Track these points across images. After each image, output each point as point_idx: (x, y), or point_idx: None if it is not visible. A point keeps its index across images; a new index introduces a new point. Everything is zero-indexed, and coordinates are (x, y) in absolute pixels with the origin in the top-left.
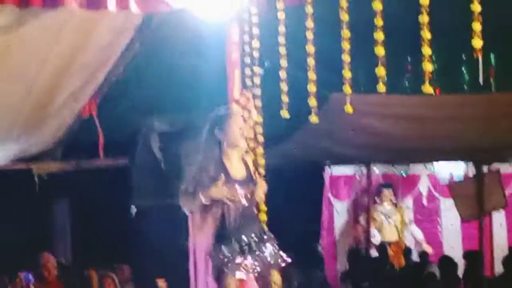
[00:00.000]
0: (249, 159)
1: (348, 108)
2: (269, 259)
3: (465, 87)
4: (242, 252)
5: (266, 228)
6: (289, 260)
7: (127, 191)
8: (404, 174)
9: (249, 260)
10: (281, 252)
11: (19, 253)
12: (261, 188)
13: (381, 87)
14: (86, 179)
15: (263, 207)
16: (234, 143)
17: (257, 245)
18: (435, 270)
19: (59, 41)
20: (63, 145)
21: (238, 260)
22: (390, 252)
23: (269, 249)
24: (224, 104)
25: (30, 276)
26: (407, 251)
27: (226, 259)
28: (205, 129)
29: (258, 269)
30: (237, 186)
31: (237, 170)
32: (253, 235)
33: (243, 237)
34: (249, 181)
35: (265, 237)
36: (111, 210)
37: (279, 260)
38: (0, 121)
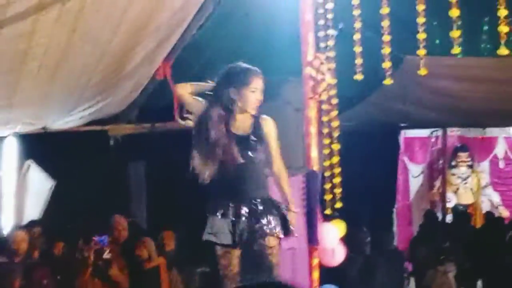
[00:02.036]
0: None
1: (422, 71)
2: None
3: None
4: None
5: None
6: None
7: None
8: (480, 137)
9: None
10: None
11: (93, 215)
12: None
13: (456, 49)
14: (161, 141)
15: (337, 170)
16: (245, 109)
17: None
18: None
19: (133, 4)
20: (137, 107)
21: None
22: (467, 215)
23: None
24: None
25: (105, 239)
26: (487, 215)
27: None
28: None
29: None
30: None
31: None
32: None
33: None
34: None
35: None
36: (185, 173)
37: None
38: (75, 82)
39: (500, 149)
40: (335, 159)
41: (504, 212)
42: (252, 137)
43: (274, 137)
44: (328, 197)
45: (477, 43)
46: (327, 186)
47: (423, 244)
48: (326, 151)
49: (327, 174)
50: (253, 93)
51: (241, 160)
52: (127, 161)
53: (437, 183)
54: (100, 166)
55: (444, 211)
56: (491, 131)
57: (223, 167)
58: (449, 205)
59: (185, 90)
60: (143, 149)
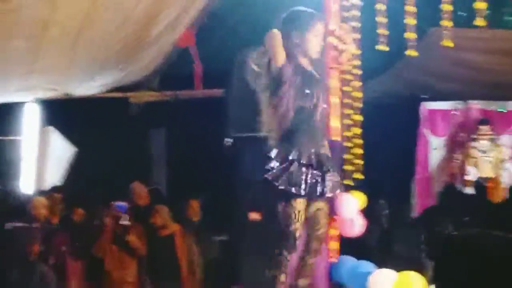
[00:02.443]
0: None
1: (447, 42)
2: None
3: None
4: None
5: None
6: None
7: (222, 122)
8: (502, 110)
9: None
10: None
11: (114, 182)
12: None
13: (480, 21)
14: (183, 109)
15: (358, 141)
16: (309, 53)
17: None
18: None
19: None
20: (160, 75)
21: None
22: (487, 188)
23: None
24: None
25: (124, 205)
26: (510, 189)
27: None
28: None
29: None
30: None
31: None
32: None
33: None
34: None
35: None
36: (207, 141)
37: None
38: (98, 49)
39: None
40: (356, 130)
41: None
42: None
43: None
44: (348, 167)
45: (501, 15)
46: (348, 156)
47: (442, 216)
48: (348, 122)
49: (348, 144)
50: (316, 37)
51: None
52: (148, 129)
53: (458, 156)
54: (121, 133)
55: (464, 184)
56: None
57: (299, 114)
58: (469, 178)
59: (277, 40)
60: (164, 117)
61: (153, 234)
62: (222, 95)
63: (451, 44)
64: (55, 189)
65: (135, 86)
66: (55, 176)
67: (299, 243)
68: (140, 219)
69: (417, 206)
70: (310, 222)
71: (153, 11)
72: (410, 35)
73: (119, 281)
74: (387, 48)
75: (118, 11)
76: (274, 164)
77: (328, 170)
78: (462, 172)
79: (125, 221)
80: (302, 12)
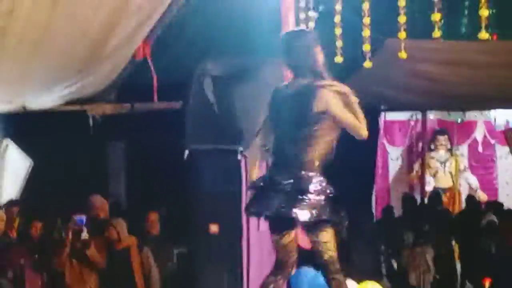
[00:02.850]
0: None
1: (403, 54)
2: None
3: None
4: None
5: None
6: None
7: (180, 135)
8: (459, 121)
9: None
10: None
11: (72, 195)
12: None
13: (436, 33)
14: (140, 121)
15: None
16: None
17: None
18: (493, 217)
19: None
20: (117, 87)
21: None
22: (444, 198)
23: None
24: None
25: (83, 219)
26: (467, 199)
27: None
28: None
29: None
30: None
31: None
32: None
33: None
34: None
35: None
36: (165, 153)
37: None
38: (54, 62)
39: (479, 133)
40: None
41: (482, 196)
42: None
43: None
44: None
45: (457, 27)
46: None
47: (401, 226)
48: None
49: None
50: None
51: None
52: (107, 141)
53: (416, 166)
54: (79, 146)
55: (423, 194)
56: (471, 115)
57: None
58: (428, 188)
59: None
60: (122, 129)
61: (109, 247)
62: (179, 107)
63: (404, 56)
64: (12, 202)
65: (92, 99)
66: (12, 189)
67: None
68: (100, 232)
69: (377, 217)
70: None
71: (110, 23)
72: (366, 47)
73: None
74: (342, 60)
75: (76, 23)
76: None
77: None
78: (421, 182)
79: (84, 235)
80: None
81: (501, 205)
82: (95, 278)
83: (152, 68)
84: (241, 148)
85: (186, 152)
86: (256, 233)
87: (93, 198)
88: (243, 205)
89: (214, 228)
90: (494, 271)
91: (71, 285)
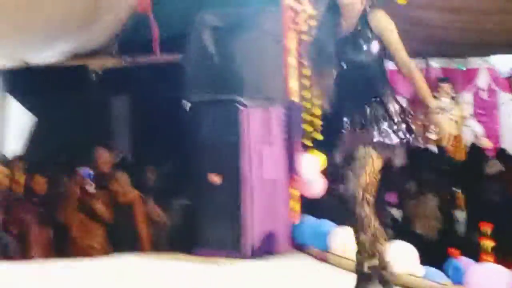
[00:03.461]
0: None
1: (402, 0)
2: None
3: None
4: None
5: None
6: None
7: (182, 87)
8: (462, 68)
9: None
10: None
11: (77, 149)
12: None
13: None
14: (142, 74)
15: (317, 101)
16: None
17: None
18: (497, 164)
19: None
20: (118, 41)
21: None
22: (449, 146)
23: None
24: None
25: (90, 172)
26: (471, 146)
27: None
28: None
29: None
30: None
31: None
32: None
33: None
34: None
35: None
36: (167, 105)
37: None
38: (54, 16)
39: (482, 80)
40: (315, 91)
41: (487, 143)
42: (357, 37)
43: (388, 28)
44: (307, 128)
45: None
46: (306, 117)
47: (405, 175)
48: (306, 82)
49: (306, 105)
50: None
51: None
52: (109, 95)
53: (420, 114)
54: (82, 100)
55: (427, 141)
56: (473, 62)
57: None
58: (432, 136)
59: None
60: (124, 82)
61: (114, 200)
62: (180, 60)
63: (403, 1)
64: (16, 158)
65: (93, 53)
66: (15, 145)
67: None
68: (105, 185)
69: None
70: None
71: None
72: None
73: (86, 248)
74: None
75: None
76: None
77: None
78: (425, 130)
79: (91, 188)
80: None
81: (505, 151)
82: (101, 232)
83: (153, 21)
84: (241, 98)
85: (188, 104)
86: (258, 183)
87: (98, 151)
88: (244, 155)
89: (215, 178)
90: (497, 218)
91: (78, 238)
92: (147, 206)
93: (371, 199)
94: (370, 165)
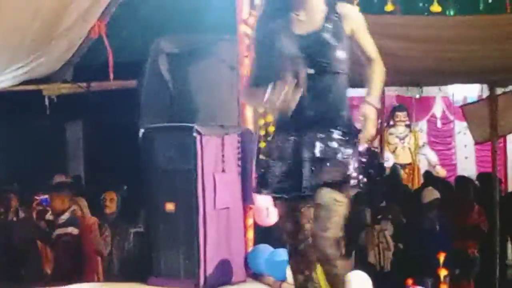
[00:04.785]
0: None
1: None
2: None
3: (480, 7)
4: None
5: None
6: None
7: (136, 113)
8: (418, 97)
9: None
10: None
11: (33, 176)
12: None
13: (390, 7)
14: (97, 100)
15: (272, 128)
16: None
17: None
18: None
19: None
20: (73, 66)
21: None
22: (403, 174)
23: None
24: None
25: (47, 199)
26: (425, 174)
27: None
28: None
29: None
30: None
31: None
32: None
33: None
34: None
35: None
36: (121, 132)
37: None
38: (8, 41)
39: (437, 109)
40: (270, 118)
41: (441, 172)
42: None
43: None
44: (264, 157)
45: (412, 1)
46: (262, 145)
47: (360, 203)
48: (261, 110)
49: (261, 133)
50: None
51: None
52: (64, 121)
53: (375, 143)
54: (37, 126)
55: (382, 170)
56: (429, 91)
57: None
58: (387, 164)
59: None
60: (79, 108)
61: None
62: (135, 86)
63: None
64: None
65: (48, 78)
66: None
67: None
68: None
69: None
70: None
71: (62, 2)
72: None
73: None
74: None
75: (28, 1)
76: None
77: None
78: (381, 158)
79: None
80: None
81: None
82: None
83: (107, 46)
84: (195, 125)
85: (141, 130)
86: (213, 211)
87: (57, 177)
88: (199, 183)
89: (170, 206)
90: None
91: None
92: (104, 233)
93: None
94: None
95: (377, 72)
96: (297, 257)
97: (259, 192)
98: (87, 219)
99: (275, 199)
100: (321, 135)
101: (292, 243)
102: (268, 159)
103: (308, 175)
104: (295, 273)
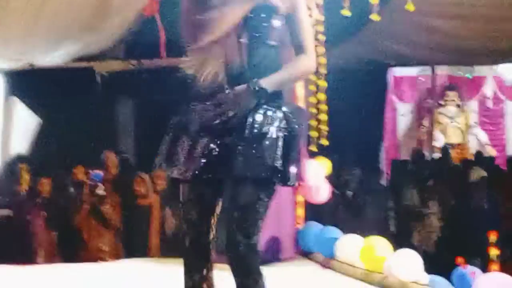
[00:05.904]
0: None
1: (410, 6)
2: None
3: None
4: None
5: None
6: None
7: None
8: (469, 76)
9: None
10: None
11: (82, 151)
12: None
13: None
14: (148, 78)
15: (324, 107)
16: None
17: None
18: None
19: None
20: (125, 44)
21: None
22: (454, 154)
23: None
24: None
25: (100, 175)
26: (476, 154)
27: None
28: None
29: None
30: None
31: None
32: None
33: None
34: None
35: None
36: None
37: None
38: (62, 18)
39: (488, 88)
40: (321, 96)
41: (492, 151)
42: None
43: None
44: (313, 134)
45: None
46: (313, 123)
47: (409, 182)
48: (312, 88)
49: (312, 111)
50: None
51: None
52: (115, 98)
53: (425, 122)
54: (88, 103)
55: (432, 150)
56: (480, 70)
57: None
58: (437, 144)
59: None
60: (130, 85)
61: (131, 203)
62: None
63: (412, 8)
64: (20, 158)
65: (100, 55)
66: (21, 147)
67: None
68: (115, 188)
69: (385, 172)
70: None
71: None
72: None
73: (95, 251)
74: (350, 13)
75: None
76: None
77: None
78: (430, 138)
79: (100, 191)
80: None
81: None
82: (111, 236)
83: (159, 24)
84: None
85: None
86: None
87: (106, 154)
88: None
89: None
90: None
91: (87, 240)
92: (164, 212)
93: None
94: None
95: (298, 67)
96: None
97: None
98: (149, 196)
99: None
100: None
101: None
102: None
103: None
104: None
